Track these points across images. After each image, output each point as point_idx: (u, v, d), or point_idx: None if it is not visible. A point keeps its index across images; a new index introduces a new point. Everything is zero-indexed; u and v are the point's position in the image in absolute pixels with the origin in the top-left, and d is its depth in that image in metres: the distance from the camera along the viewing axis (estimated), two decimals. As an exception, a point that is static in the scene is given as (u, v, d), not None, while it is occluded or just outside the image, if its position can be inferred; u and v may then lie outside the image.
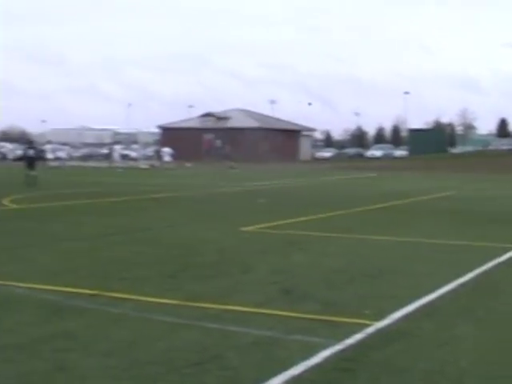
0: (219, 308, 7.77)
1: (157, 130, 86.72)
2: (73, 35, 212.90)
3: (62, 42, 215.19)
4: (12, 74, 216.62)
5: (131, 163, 61.39)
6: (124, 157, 62.90)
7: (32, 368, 5.71)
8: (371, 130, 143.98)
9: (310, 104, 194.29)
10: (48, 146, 59.26)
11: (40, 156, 42.20)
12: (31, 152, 33.38)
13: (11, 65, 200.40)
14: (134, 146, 65.33)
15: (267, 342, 6.53)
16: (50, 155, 58.09)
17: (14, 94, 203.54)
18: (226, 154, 58.10)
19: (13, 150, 73.85)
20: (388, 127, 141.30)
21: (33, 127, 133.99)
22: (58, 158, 59.82)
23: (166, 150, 62.86)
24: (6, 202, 21.90)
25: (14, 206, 20.91)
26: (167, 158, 61.21)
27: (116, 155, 57.34)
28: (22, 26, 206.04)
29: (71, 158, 66.41)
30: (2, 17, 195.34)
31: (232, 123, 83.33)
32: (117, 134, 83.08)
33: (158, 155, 61.62)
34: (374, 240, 13.89)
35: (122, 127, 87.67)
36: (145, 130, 78.74)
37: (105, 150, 67.93)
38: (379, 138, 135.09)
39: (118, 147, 59.12)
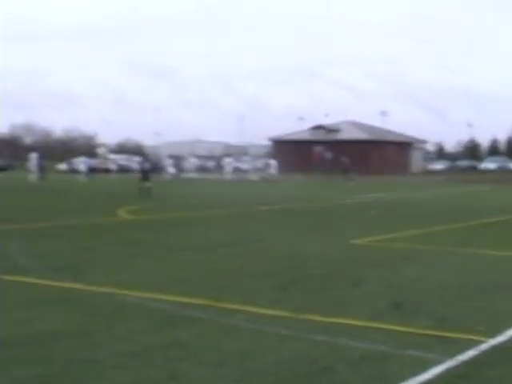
0: (329, 321, 7.74)
1: (268, 143, 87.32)
2: (185, 48, 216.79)
3: (175, 55, 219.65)
4: (126, 88, 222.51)
5: (242, 175, 62.06)
6: (235, 169, 63.62)
7: (146, 376, 5.84)
8: (484, 142, 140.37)
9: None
10: (169, 161, 60.57)
11: (154, 168, 43.31)
12: (146, 165, 34.52)
13: (125, 78, 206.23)
14: (245, 158, 66.01)
15: (377, 357, 6.46)
16: (169, 168, 59.36)
17: (128, 107, 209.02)
18: (346, 167, 57.76)
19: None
20: (502, 139, 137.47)
21: (147, 140, 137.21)
22: (173, 170, 61.06)
23: (272, 162, 63.25)
24: (121, 212, 22.52)
25: (130, 216, 21.46)
26: (273, 170, 61.60)
27: (228, 167, 58.08)
28: (135, 40, 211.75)
29: (185, 170, 67.76)
30: (116, 32, 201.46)
31: (342, 135, 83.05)
32: (228, 146, 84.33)
33: (267, 167, 62.15)
34: (490, 254, 13.54)
35: (234, 139, 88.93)
36: (256, 142, 79.47)
37: (212, 162, 69.12)
38: (493, 150, 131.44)
39: (228, 159, 59.88)
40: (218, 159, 69.67)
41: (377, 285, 10.13)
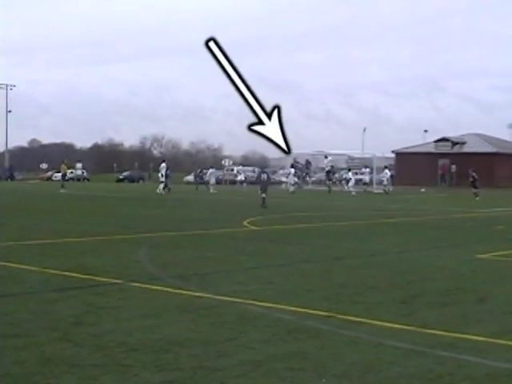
0: (453, 336, 7.61)
1: (391, 155, 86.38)
2: (308, 62, 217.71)
3: (298, 69, 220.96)
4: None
5: (364, 188, 61.59)
6: (357, 181, 63.17)
7: (268, 385, 5.92)
8: None
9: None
10: (291, 170, 60.75)
11: (272, 180, 43.78)
12: (264, 176, 34.98)
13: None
14: (365, 170, 65.40)
15: (502, 374, 6.32)
16: (291, 179, 59.53)
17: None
18: (474, 180, 56.43)
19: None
20: None
21: (272, 152, 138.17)
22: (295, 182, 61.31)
23: (386, 172, 62.39)
24: (245, 223, 22.82)
25: (253, 227, 21.72)
26: (386, 182, 60.82)
27: (352, 180, 57.68)
28: (259, 55, 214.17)
29: (306, 182, 67.92)
30: (241, 47, 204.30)
31: (468, 148, 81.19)
32: (351, 158, 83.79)
33: (388, 179, 61.34)
34: None
35: (357, 152, 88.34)
36: (379, 154, 78.67)
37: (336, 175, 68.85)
38: None
39: (350, 172, 59.44)
40: (337, 172, 69.37)
41: (503, 300, 9.88)
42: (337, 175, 68.24)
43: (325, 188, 59.32)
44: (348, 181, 58.73)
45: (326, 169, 62.83)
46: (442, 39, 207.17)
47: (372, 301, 9.67)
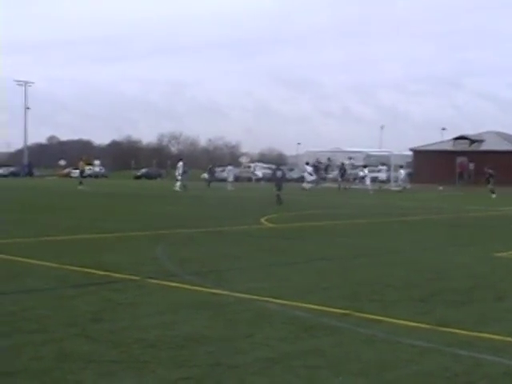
0: (471, 335, 7.59)
1: (409, 153, 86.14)
2: (326, 60, 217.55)
3: (316, 66, 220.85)
4: (269, 98, 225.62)
5: (381, 185, 61.49)
6: (374, 179, 63.03)
7: (285, 383, 5.92)
8: None
9: None
10: (308, 168, 60.77)
11: (286, 177, 43.79)
12: (279, 173, 35.04)
13: (268, 89, 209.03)
14: (382, 168, 65.29)
15: (522, 373, 6.29)
16: (309, 177, 59.55)
17: (271, 117, 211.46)
18: (490, 177, 56.15)
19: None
20: None
21: (289, 150, 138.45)
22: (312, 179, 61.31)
23: (401, 171, 62.31)
24: (263, 220, 22.84)
25: (270, 224, 21.73)
26: (401, 180, 60.76)
27: (368, 178, 57.52)
28: (277, 52, 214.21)
29: (323, 180, 67.83)
30: (258, 44, 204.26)
31: (486, 146, 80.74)
32: (369, 156, 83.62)
33: (403, 178, 61.27)
34: None
35: (375, 149, 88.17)
36: (396, 152, 78.49)
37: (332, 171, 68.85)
38: None
39: (366, 169, 59.21)
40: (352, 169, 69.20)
41: (522, 300, 9.83)
42: (350, 172, 67.90)
43: (341, 186, 59.05)
44: (363, 178, 58.54)
45: (344, 167, 62.56)
46: (461, 36, 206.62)
47: (389, 299, 9.66)
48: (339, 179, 60.24)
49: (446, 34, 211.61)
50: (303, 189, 54.61)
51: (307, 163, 62.20)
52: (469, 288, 10.70)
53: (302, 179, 61.13)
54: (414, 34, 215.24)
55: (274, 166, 37.21)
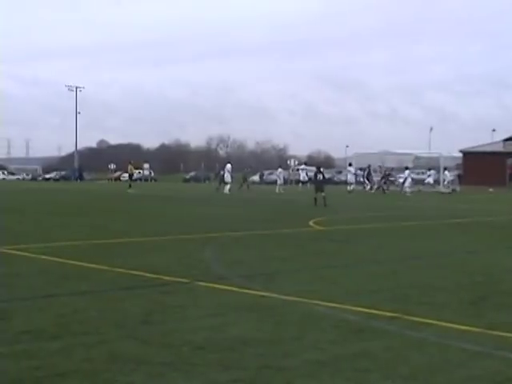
0: (523, 339, 7.49)
1: (458, 155, 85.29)
2: (374, 61, 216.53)
3: (364, 67, 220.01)
4: (316, 101, 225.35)
5: (429, 187, 61.00)
6: (417, 181, 62.42)
7: (334, 385, 5.92)
8: None
9: None
10: (351, 169, 60.51)
11: (327, 179, 43.74)
12: (320, 176, 35.14)
13: (315, 91, 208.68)
14: (430, 172, 64.71)
15: None
16: (351, 178, 59.29)
17: (318, 119, 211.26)
18: None
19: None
20: None
21: (336, 152, 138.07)
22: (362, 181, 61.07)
23: (446, 173, 61.69)
24: (311, 223, 22.81)
25: (318, 227, 21.70)
26: (447, 181, 60.15)
27: (408, 180, 56.81)
28: (324, 54, 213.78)
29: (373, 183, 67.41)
30: (305, 46, 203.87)
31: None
32: (418, 158, 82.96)
33: (450, 180, 60.63)
34: None
35: (424, 151, 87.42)
36: (446, 154, 77.79)
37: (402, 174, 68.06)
38: None
39: (407, 171, 58.27)
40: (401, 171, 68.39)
41: None
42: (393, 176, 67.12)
43: (386, 189, 58.34)
44: (404, 180, 57.89)
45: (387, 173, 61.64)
46: (509, 36, 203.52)
47: (439, 302, 9.57)
48: (381, 182, 59.56)
49: (495, 33, 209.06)
50: (349, 192, 54.31)
51: (350, 164, 61.94)
52: (520, 291, 10.56)
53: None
54: (463, 34, 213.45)
55: (315, 169, 37.21)
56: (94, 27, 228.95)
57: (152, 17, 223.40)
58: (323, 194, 33.55)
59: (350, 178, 59.09)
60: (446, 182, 60.71)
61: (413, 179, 59.43)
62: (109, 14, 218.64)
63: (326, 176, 35.56)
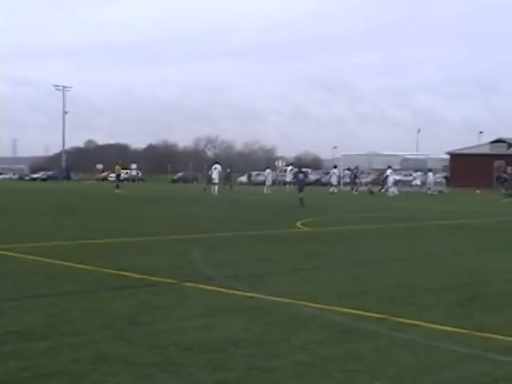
0: (509, 340, 7.51)
1: (446, 156, 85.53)
2: (362, 63, 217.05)
3: (352, 69, 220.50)
4: (305, 102, 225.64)
5: (416, 189, 61.21)
6: (401, 182, 62.77)
7: (322, 386, 5.92)
8: None
9: None
10: (335, 171, 60.56)
11: (309, 180, 43.94)
12: (301, 176, 35.39)
13: (303, 93, 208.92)
14: (416, 174, 64.77)
15: (562, 380, 6.20)
16: (334, 179, 59.31)
17: (306, 121, 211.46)
18: (503, 181, 55.74)
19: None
20: None
21: (325, 153, 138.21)
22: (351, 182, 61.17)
23: (430, 174, 61.91)
24: (299, 224, 22.82)
25: (306, 228, 21.71)
26: (429, 183, 60.44)
27: (390, 179, 56.84)
28: (312, 56, 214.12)
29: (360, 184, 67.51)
30: (293, 48, 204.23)
31: (525, 150, 79.88)
32: (405, 159, 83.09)
33: (442, 181, 60.90)
34: None
35: (411, 153, 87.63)
36: (433, 155, 77.98)
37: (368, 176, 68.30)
38: None
39: (389, 170, 58.23)
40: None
41: (562, 305, 9.71)
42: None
43: (375, 189, 58.38)
44: (385, 179, 57.94)
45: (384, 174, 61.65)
46: (497, 39, 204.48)
47: (426, 303, 9.59)
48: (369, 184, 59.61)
49: (483, 36, 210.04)
50: (331, 193, 54.17)
51: (335, 166, 62.03)
52: (507, 293, 10.60)
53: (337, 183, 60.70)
54: (451, 37, 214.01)
55: (295, 169, 37.71)
56: (82, 27, 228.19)
57: (141, 17, 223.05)
58: (301, 194, 33.98)
59: (334, 179, 59.05)
60: (428, 183, 60.90)
61: (396, 180, 59.51)
62: (98, 14, 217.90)
63: (315, 177, 35.78)
